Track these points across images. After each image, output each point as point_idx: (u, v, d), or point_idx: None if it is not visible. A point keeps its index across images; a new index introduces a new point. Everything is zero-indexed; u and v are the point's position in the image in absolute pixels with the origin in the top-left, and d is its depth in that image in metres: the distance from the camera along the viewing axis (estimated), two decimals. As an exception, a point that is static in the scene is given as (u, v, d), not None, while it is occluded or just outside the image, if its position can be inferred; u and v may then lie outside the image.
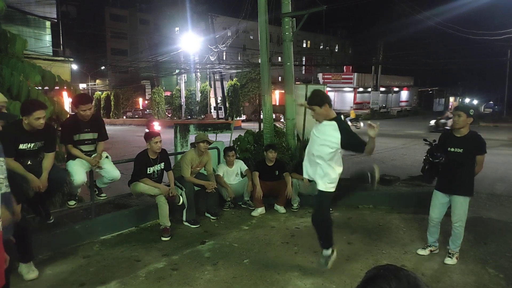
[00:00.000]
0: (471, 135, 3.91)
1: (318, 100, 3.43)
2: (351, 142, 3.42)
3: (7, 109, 4.11)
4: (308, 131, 7.32)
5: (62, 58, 18.06)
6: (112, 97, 38.65)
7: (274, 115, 9.30)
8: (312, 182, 5.97)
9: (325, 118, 3.46)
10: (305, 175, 3.80)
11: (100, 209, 5.18)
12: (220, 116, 33.47)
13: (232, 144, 7.00)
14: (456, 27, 17.12)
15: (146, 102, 46.81)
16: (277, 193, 5.84)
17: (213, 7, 33.31)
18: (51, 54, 17.19)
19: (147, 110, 41.93)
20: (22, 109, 3.64)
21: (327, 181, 3.53)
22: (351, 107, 36.19)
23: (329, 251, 3.69)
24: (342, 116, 3.46)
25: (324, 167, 3.51)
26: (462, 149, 3.89)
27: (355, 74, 45.97)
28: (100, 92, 41.86)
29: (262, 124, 7.53)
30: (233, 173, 6.06)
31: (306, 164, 3.76)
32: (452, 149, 3.96)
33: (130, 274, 3.74)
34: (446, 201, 4.07)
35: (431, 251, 4.24)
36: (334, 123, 3.43)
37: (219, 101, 33.89)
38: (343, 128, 3.41)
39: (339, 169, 3.58)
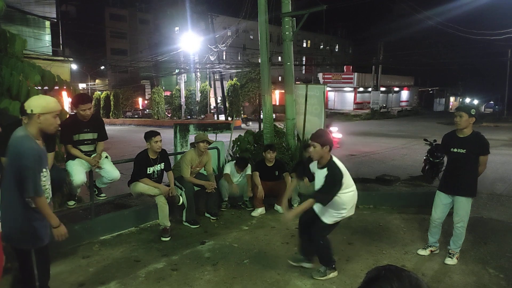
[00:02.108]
0: (474, 136, 3.89)
1: (323, 140, 3.42)
2: (321, 191, 3.44)
3: (7, 109, 4.12)
4: (308, 131, 7.31)
5: (62, 58, 18.05)
6: (111, 97, 38.52)
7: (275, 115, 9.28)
8: (312, 182, 5.97)
9: (319, 159, 3.48)
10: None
11: (99, 209, 5.18)
12: (220, 116, 33.45)
13: (232, 144, 7.00)
14: (456, 27, 17.12)
15: (146, 102, 46.79)
16: (277, 193, 5.83)
17: (213, 6, 33.34)
18: (51, 54, 17.18)
19: (147, 110, 41.89)
20: (21, 109, 3.63)
21: (327, 216, 3.58)
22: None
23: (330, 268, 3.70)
24: (336, 160, 3.48)
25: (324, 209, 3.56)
26: (465, 150, 3.87)
27: (355, 74, 45.96)
28: (99, 92, 41.76)
29: (262, 124, 7.52)
30: (239, 177, 6.04)
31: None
32: (455, 150, 3.94)
33: (130, 274, 3.74)
34: (449, 202, 4.06)
35: (431, 251, 4.23)
36: (325, 170, 3.44)
37: (219, 101, 33.87)
38: (328, 176, 3.41)
39: (341, 209, 3.56)
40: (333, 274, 3.67)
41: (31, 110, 2.52)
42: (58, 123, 2.67)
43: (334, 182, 3.38)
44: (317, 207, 3.60)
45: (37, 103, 2.54)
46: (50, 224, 2.64)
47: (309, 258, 3.81)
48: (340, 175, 3.39)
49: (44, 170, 2.62)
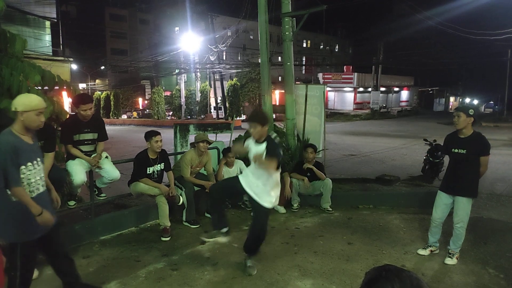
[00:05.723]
0: (475, 136, 3.89)
1: (262, 120, 3.58)
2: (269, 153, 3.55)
3: (7, 109, 4.12)
4: (308, 131, 7.32)
5: (62, 58, 18.05)
6: (112, 97, 38.52)
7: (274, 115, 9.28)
8: (312, 182, 5.98)
9: (260, 137, 3.62)
10: (247, 188, 3.73)
11: (100, 209, 5.18)
12: (220, 116, 33.46)
13: (232, 145, 6.98)
14: (456, 27, 17.11)
15: (146, 102, 46.77)
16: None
17: (213, 7, 33.35)
18: (51, 54, 17.18)
19: (147, 110, 41.86)
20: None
21: (269, 198, 3.67)
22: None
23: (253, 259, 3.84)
24: (273, 136, 3.70)
25: (266, 184, 3.64)
26: (465, 150, 3.88)
27: (355, 74, 45.98)
28: (99, 92, 41.76)
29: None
30: (233, 173, 6.05)
31: (249, 176, 3.74)
32: (456, 150, 3.95)
33: (130, 274, 3.74)
34: (450, 202, 4.06)
35: (431, 251, 4.24)
36: (265, 143, 3.60)
37: (219, 101, 33.88)
38: (270, 145, 3.56)
39: (277, 188, 3.75)
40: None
41: (15, 108, 2.67)
42: (42, 120, 2.77)
43: (276, 147, 3.59)
44: (256, 191, 3.66)
45: (20, 102, 2.69)
46: (32, 213, 2.65)
47: (220, 228, 3.95)
48: (278, 146, 3.63)
49: (30, 163, 2.70)
